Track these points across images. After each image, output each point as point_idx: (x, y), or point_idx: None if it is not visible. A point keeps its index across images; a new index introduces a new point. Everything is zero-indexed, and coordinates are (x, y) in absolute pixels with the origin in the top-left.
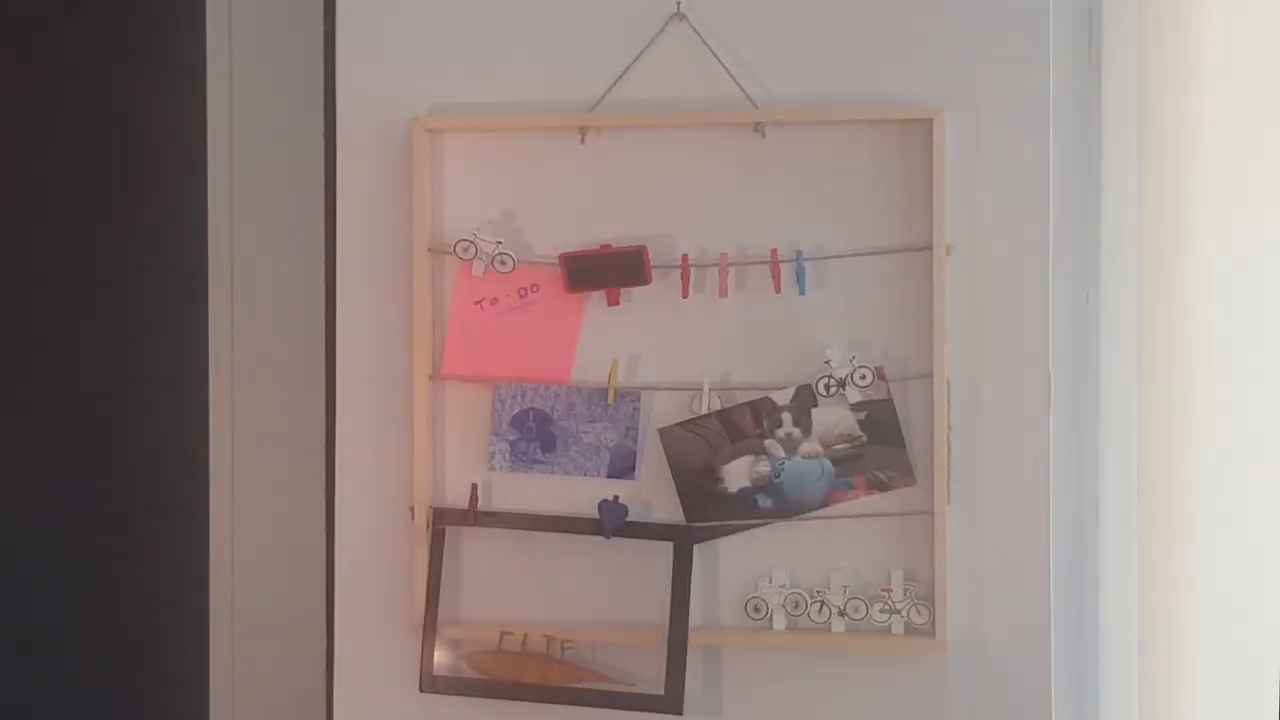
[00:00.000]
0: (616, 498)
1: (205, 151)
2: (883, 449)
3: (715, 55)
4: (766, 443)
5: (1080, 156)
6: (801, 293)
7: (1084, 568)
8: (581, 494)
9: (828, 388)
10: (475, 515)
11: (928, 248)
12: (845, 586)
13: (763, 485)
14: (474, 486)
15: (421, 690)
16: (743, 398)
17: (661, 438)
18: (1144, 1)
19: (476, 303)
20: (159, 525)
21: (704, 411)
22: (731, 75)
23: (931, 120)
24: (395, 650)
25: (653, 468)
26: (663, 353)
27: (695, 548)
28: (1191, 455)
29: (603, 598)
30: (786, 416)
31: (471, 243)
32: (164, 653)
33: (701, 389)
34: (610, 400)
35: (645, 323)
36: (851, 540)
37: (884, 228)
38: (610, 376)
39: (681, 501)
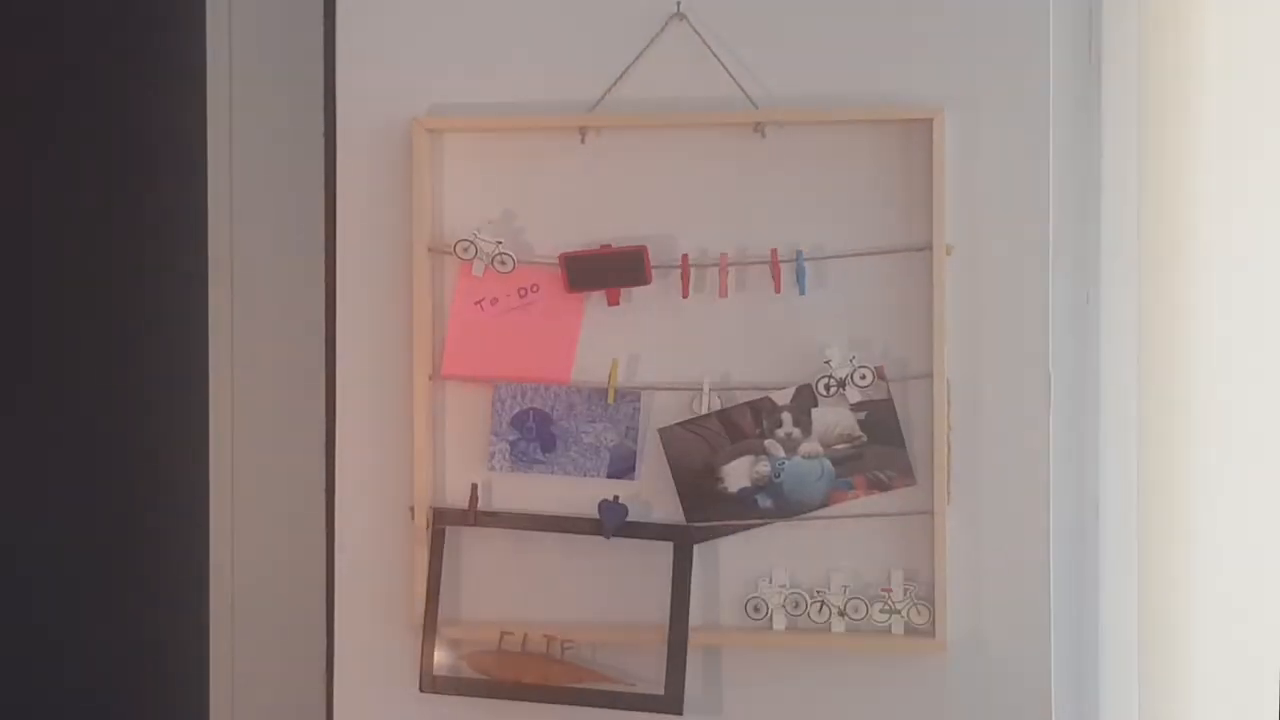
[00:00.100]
0: (616, 498)
1: (205, 151)
2: (883, 449)
3: (715, 55)
4: (766, 443)
5: (1080, 156)
6: (801, 293)
7: (1084, 568)
8: (581, 494)
9: (828, 388)
10: (475, 515)
11: (928, 248)
12: (845, 586)
13: (763, 485)
14: (474, 486)
15: (421, 690)
16: (743, 398)
17: (661, 438)
18: (1144, 1)
19: (476, 303)
20: (159, 525)
21: (704, 411)
22: (731, 75)
23: (931, 120)
24: (395, 650)
25: (653, 468)
26: (663, 353)
27: (695, 548)
28: (1191, 455)
29: (603, 598)
30: (786, 416)
31: (471, 243)
32: (164, 652)
33: (701, 389)
34: (610, 400)
35: (645, 323)
36: (851, 540)
37: (884, 228)
38: (610, 376)
39: (681, 501)
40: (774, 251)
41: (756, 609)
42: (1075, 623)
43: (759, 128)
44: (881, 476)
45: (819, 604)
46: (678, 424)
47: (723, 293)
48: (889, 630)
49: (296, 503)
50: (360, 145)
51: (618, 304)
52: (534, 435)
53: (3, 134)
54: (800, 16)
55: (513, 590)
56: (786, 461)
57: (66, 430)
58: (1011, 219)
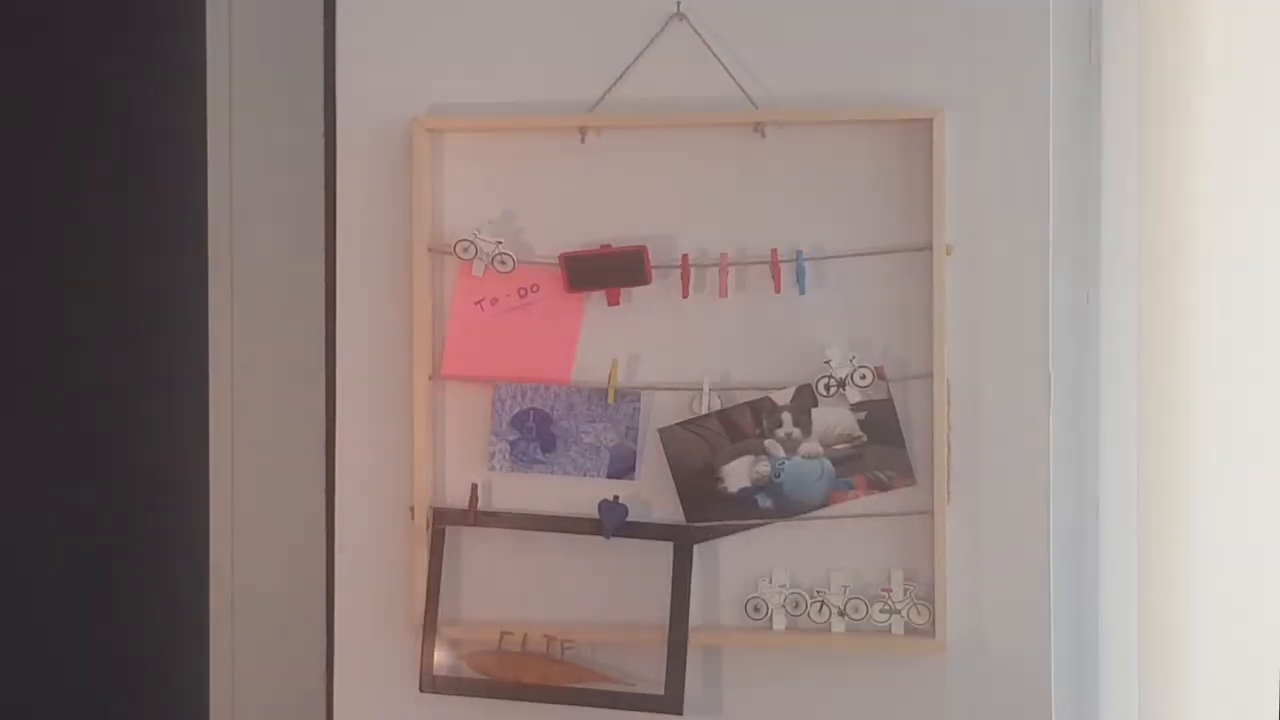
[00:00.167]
0: (616, 498)
1: (205, 151)
2: (883, 449)
3: (715, 55)
4: (766, 443)
5: (1080, 156)
6: (801, 293)
7: (1084, 568)
8: (581, 494)
9: (828, 388)
10: (475, 515)
11: (928, 248)
12: (845, 586)
13: (763, 485)
14: (474, 486)
15: (421, 690)
16: (743, 398)
17: (661, 438)
18: (1144, 1)
19: (476, 303)
20: (159, 525)
21: (704, 411)
22: (731, 75)
23: (931, 120)
24: (395, 650)
25: (653, 468)
26: (663, 353)
27: (695, 548)
28: (1191, 455)
29: (603, 598)
30: (786, 416)
31: (471, 243)
32: (164, 652)
33: (701, 389)
34: (610, 400)
35: (645, 323)
36: (851, 540)
37: (884, 228)
38: (610, 376)
39: (681, 501)
40: (774, 251)
41: (756, 609)
42: (1075, 623)
43: (759, 128)
44: (881, 476)
45: (819, 604)
46: (678, 424)
47: (723, 293)
48: (889, 630)
49: (296, 503)
50: (360, 145)
51: (618, 304)
52: (534, 435)
53: (3, 134)
54: (800, 16)
55: (513, 590)
56: (786, 461)
57: (66, 430)
58: (1011, 219)
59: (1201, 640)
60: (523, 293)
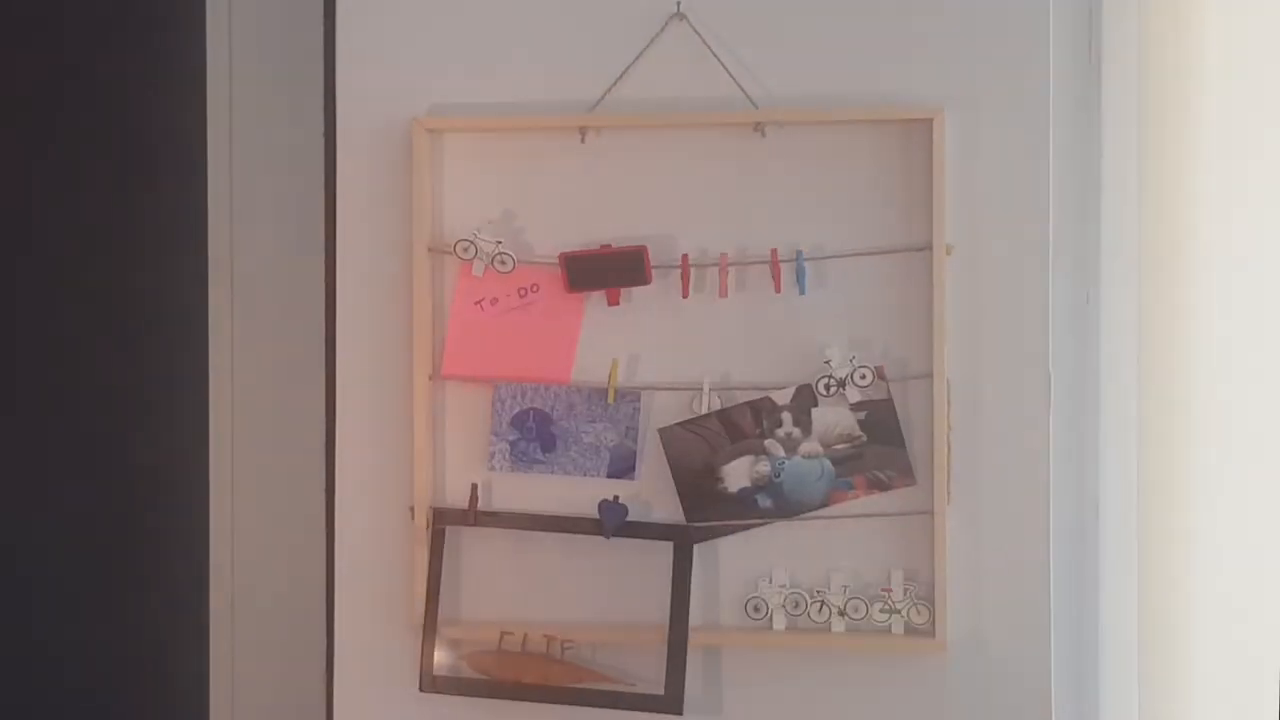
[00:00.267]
0: (616, 498)
1: (205, 151)
2: (883, 449)
3: (715, 55)
4: (766, 443)
5: (1080, 156)
6: (801, 293)
7: (1084, 568)
8: (581, 494)
9: (828, 388)
10: (475, 515)
11: (928, 248)
12: (845, 586)
13: (763, 485)
14: (474, 486)
15: (421, 690)
16: (743, 398)
17: (661, 438)
18: (1144, 1)
19: (476, 303)
20: (159, 525)
21: (704, 411)
22: (731, 75)
23: (931, 120)
24: (395, 650)
25: (653, 468)
26: (663, 353)
27: (695, 548)
28: (1191, 455)
29: (603, 598)
30: (786, 416)
31: (471, 243)
32: (164, 652)
33: (701, 389)
34: (610, 400)
35: (645, 323)
36: (851, 540)
37: (884, 228)
38: (610, 376)
39: (681, 501)
40: (774, 251)
41: (756, 609)
42: (1075, 623)
43: (759, 128)
44: (881, 476)
45: (819, 604)
46: (678, 424)
47: (723, 293)
48: (889, 630)
49: (296, 503)
50: (360, 145)
51: (618, 304)
52: (534, 435)
53: (3, 134)
54: (800, 16)
55: (513, 590)
56: (786, 461)
57: (66, 430)
58: (1011, 219)
59: (1201, 640)
60: (523, 293)
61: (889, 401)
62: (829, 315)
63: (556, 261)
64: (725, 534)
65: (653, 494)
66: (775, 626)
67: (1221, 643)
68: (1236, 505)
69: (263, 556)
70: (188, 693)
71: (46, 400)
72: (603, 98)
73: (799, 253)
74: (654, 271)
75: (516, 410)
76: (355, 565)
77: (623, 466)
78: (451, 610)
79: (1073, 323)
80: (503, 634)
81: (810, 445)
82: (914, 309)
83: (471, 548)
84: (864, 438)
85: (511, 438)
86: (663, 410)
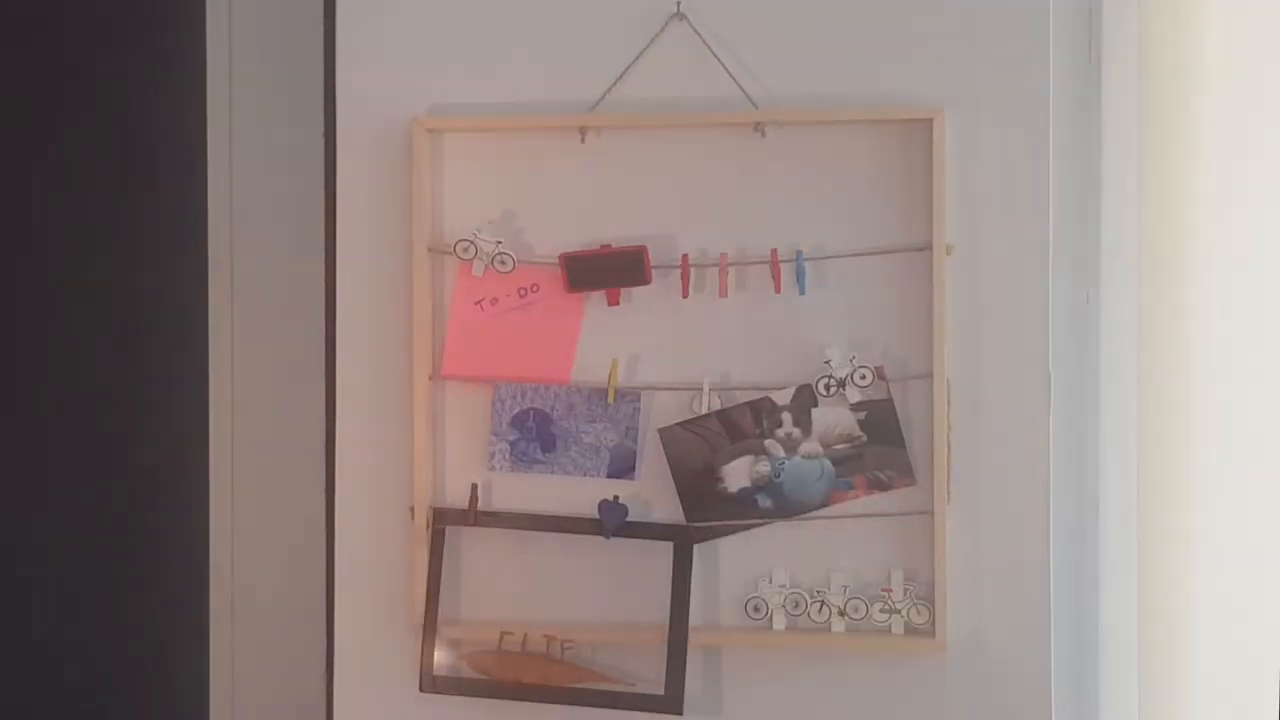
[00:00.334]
0: (616, 498)
1: (205, 151)
2: (883, 449)
3: (715, 55)
4: (766, 443)
5: (1080, 156)
6: (801, 293)
7: (1084, 568)
8: (581, 494)
9: (828, 388)
10: (475, 515)
11: (928, 248)
12: (845, 586)
13: (763, 485)
14: (474, 486)
15: (421, 690)
16: (743, 398)
17: (661, 438)
18: (1144, 1)
19: (476, 303)
20: (159, 525)
21: (704, 411)
22: (731, 75)
23: (931, 120)
24: (395, 650)
25: (653, 468)
26: (663, 353)
27: (695, 548)
28: (1191, 455)
29: (603, 598)
30: (786, 416)
31: (471, 243)
32: (164, 652)
33: (701, 389)
34: (610, 400)
35: (645, 323)
36: (851, 540)
37: (884, 228)
38: (610, 376)
39: (681, 501)
40: (774, 251)
41: (756, 609)
42: (1075, 623)
43: (759, 128)
44: (881, 476)
45: (819, 604)
46: (678, 424)
47: (723, 293)
48: (889, 630)
49: (296, 503)
50: (360, 145)
51: (618, 304)
52: (534, 435)
53: (3, 134)
54: (800, 16)
55: (513, 590)
56: (786, 461)
57: (66, 430)
58: (1011, 219)
59: (1201, 640)
60: (523, 293)
61: (889, 401)
62: (829, 315)
63: (556, 261)
64: (725, 534)
65: (653, 494)
66: (775, 626)
67: (1221, 643)
68: (1236, 505)
69: (263, 556)
70: (188, 693)
71: (46, 400)
72: (603, 98)
73: (799, 253)
74: (654, 271)
75: (516, 410)
76: (355, 565)
77: (623, 466)
78: (451, 610)
79: (1073, 323)
80: (503, 634)
81: (810, 445)
82: (914, 309)
83: (471, 548)
84: (864, 438)
85: (511, 438)
86: (663, 410)
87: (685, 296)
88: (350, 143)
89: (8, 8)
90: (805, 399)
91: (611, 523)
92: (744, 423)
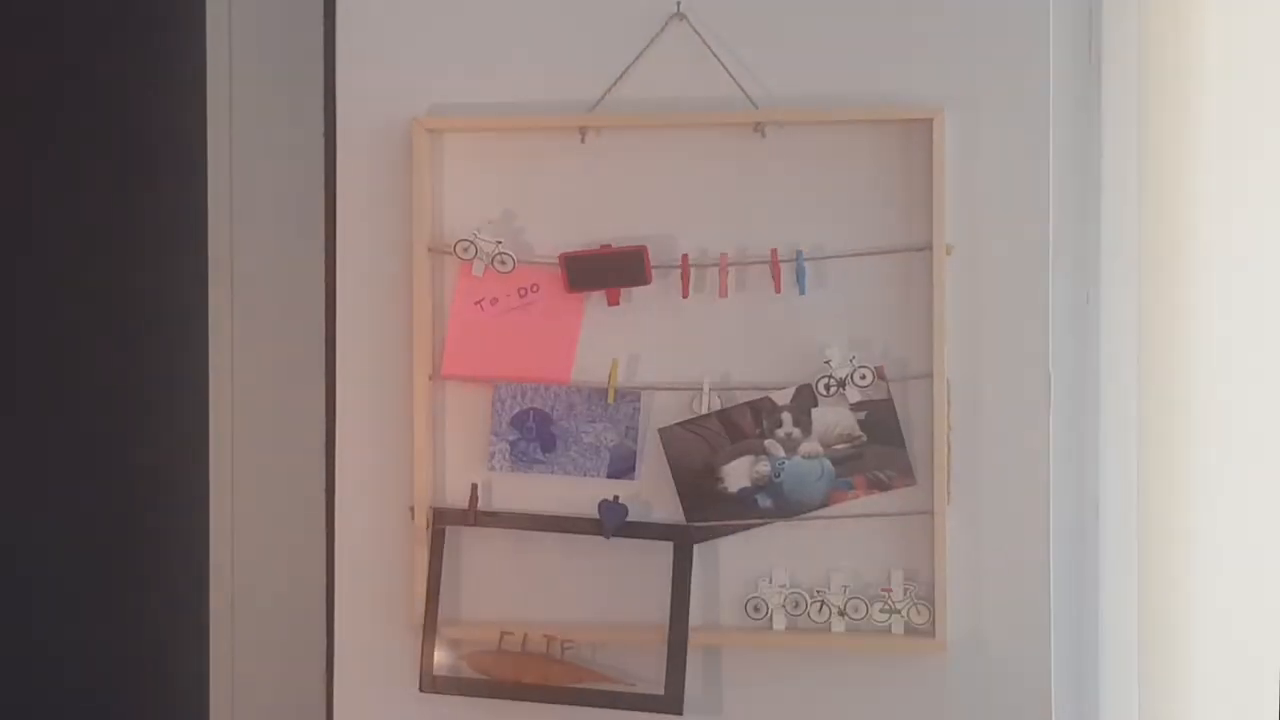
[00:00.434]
0: (616, 498)
1: (205, 151)
2: (883, 449)
3: (715, 55)
4: (766, 443)
5: (1080, 156)
6: (801, 293)
7: (1084, 568)
8: (581, 494)
9: (828, 388)
10: (475, 515)
11: (928, 248)
12: (845, 586)
13: (763, 485)
14: (474, 486)
15: (421, 690)
16: (743, 398)
17: (661, 438)
18: (1144, 1)
19: (476, 303)
20: (159, 525)
21: (704, 411)
22: (731, 75)
23: (931, 120)
24: (395, 650)
25: (653, 468)
26: (663, 353)
27: (695, 548)
28: (1191, 455)
29: (603, 598)
30: (786, 416)
31: (471, 243)
32: (164, 652)
33: (701, 389)
34: (610, 400)
35: (645, 323)
36: (851, 540)
37: (884, 228)
38: (610, 376)
39: (681, 501)
40: (774, 251)
41: (756, 609)
42: (1075, 623)
43: (759, 128)
44: (881, 476)
45: (819, 604)
46: (678, 424)
47: (723, 293)
48: (889, 630)
49: (296, 503)
50: (360, 145)
51: (618, 304)
52: (534, 435)
53: (3, 134)
54: (800, 16)
55: (513, 590)
56: (786, 461)
57: (66, 430)
58: (1011, 219)
59: (1201, 640)
60: (523, 293)
61: (889, 401)
62: (829, 315)
63: (556, 261)
64: (725, 534)
65: (653, 494)
66: (775, 626)
67: (1221, 643)
68: (1236, 505)
69: (263, 556)
70: (188, 693)
71: (46, 400)
72: (603, 98)
73: (799, 253)
74: (654, 271)
75: (516, 410)
76: (355, 565)
77: (623, 466)
78: (451, 610)
79: (1073, 323)
80: (503, 634)
81: (810, 445)
82: (914, 309)
83: (471, 548)
84: (864, 438)
85: (511, 438)
86: (663, 410)
87: (685, 296)
88: (350, 143)
89: (8, 8)
90: (805, 399)
91: (611, 523)
92: (744, 423)
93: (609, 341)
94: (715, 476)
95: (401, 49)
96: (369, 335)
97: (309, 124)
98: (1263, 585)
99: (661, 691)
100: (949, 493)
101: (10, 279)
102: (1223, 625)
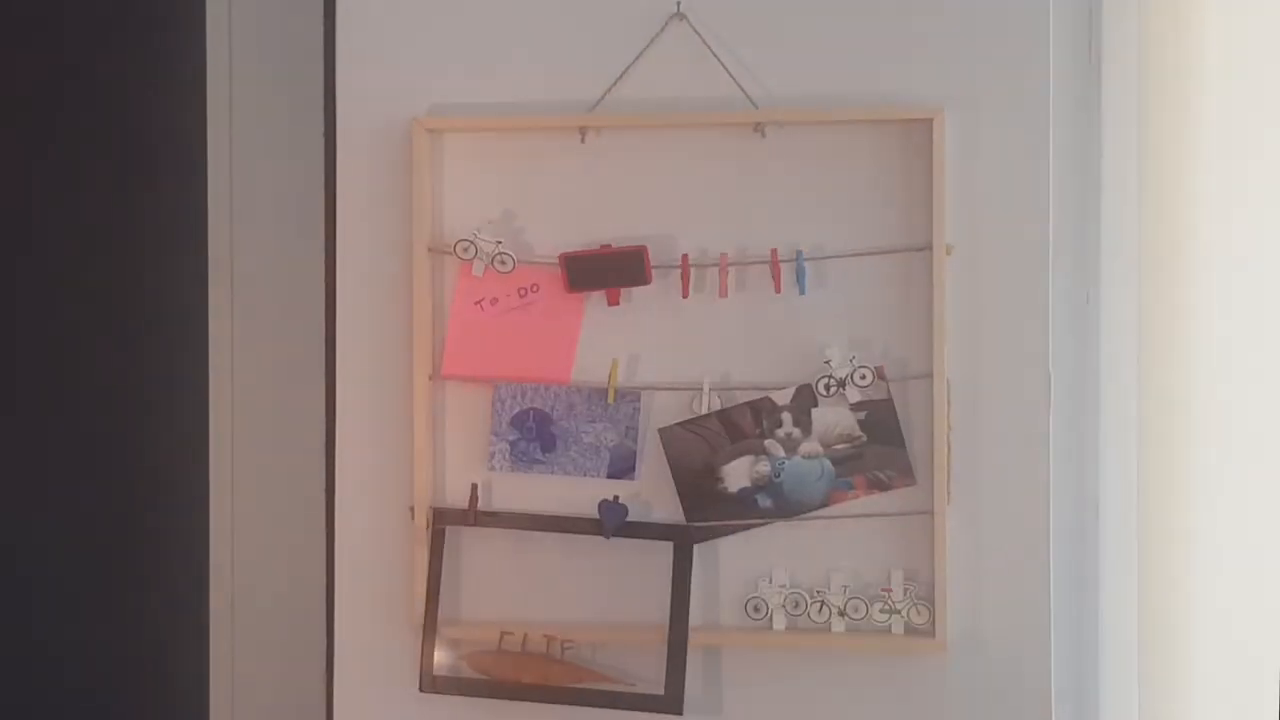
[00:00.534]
0: (616, 498)
1: (205, 151)
2: (883, 449)
3: (715, 55)
4: (766, 443)
5: (1080, 156)
6: (801, 293)
7: (1084, 568)
8: (581, 494)
9: (828, 388)
10: (475, 515)
11: (928, 248)
12: (845, 586)
13: (763, 485)
14: (474, 486)
15: (421, 690)
16: (743, 398)
17: (661, 438)
18: (1144, 1)
19: (476, 303)
20: (159, 525)
21: (704, 411)
22: (731, 75)
23: (931, 120)
24: (395, 650)
25: (653, 468)
26: (663, 353)
27: (695, 548)
28: (1191, 455)
29: (603, 598)
30: (786, 416)
31: (471, 243)
32: (164, 652)
33: (701, 389)
34: (610, 400)
35: (645, 323)
36: (851, 540)
37: (884, 228)
38: (610, 376)
39: (681, 501)
40: (774, 251)
41: (756, 609)
42: (1075, 623)
43: (759, 128)
44: (881, 476)
45: (819, 604)
46: (678, 424)
47: (723, 293)
48: (889, 630)
49: (296, 503)
50: (360, 145)
51: (618, 304)
52: (534, 435)
53: (3, 134)
54: (800, 16)
55: (513, 590)
56: (786, 461)
57: (66, 430)
58: (1011, 219)
59: (1201, 640)
60: (523, 293)
61: (889, 401)
62: (829, 315)
63: (556, 261)
64: (725, 534)
65: (653, 494)
66: (775, 626)
67: (1221, 643)
68: (1236, 505)
69: (263, 556)
70: (188, 693)
71: (46, 400)
72: (603, 98)
73: (799, 253)
74: (654, 271)
75: (516, 410)
76: (355, 565)
77: (623, 466)
78: (451, 610)
79: (1073, 323)
80: (503, 634)
81: (810, 445)
82: (914, 309)
83: (471, 548)
84: (864, 438)
85: (511, 438)
86: (663, 410)
87: (685, 296)
88: (350, 142)
89: (8, 8)
90: (805, 399)
91: (611, 523)
92: (744, 423)
93: (609, 341)
94: (715, 476)
95: (401, 49)
96: (369, 335)
97: (309, 124)
98: (1263, 585)
99: (661, 691)
100: (949, 493)
101: (10, 279)
102: (1223, 625)
